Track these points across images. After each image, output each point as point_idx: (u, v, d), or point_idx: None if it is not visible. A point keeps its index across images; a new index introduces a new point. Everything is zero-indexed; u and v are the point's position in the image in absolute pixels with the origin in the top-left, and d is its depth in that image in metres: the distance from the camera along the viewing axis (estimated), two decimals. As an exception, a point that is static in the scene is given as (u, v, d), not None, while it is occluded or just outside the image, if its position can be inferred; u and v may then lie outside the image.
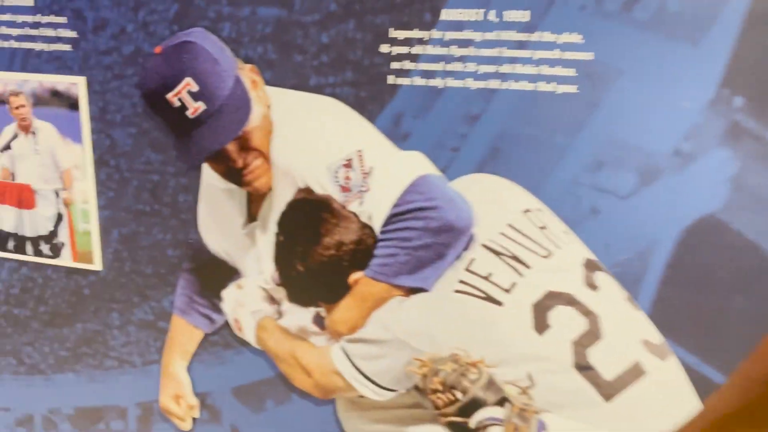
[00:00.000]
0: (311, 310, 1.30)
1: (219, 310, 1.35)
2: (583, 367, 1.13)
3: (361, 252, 1.22)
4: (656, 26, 0.98)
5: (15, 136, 1.39)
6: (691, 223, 1.04)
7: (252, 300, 1.32)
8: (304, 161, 1.21)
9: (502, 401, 1.21)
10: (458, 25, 1.08)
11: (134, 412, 1.47)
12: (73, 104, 1.32)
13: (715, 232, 1.03)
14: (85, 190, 1.37)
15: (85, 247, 1.41)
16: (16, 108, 1.36)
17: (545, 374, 1.17)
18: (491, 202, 1.13)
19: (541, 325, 1.15)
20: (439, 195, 1.15)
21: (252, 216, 1.28)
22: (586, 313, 1.11)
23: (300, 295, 1.29)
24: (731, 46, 0.96)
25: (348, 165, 1.19)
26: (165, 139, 1.29)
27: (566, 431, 1.16)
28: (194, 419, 1.42)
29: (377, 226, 1.20)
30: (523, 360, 1.18)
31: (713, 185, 1.02)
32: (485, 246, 1.16)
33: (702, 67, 0.98)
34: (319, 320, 1.29)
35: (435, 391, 1.25)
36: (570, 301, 1.13)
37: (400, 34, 1.11)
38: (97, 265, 1.41)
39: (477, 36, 1.07)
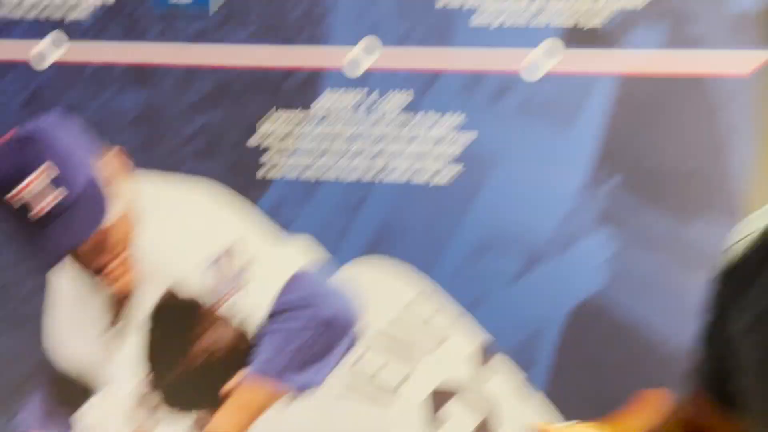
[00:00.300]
0: (186, 418, 1.19)
1: (72, 428, 1.21)
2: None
3: (237, 355, 1.16)
4: (528, 111, 1.04)
5: None
6: (577, 304, 1.07)
7: (119, 411, 1.20)
8: (171, 257, 1.15)
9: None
10: (335, 113, 1.09)
11: None
12: None
13: (599, 312, 1.06)
14: None
15: None
16: None
17: None
18: (378, 292, 1.12)
19: (434, 421, 1.13)
20: (320, 291, 1.13)
21: (114, 320, 1.18)
22: (481, 404, 1.10)
23: (175, 402, 1.20)
24: (600, 128, 1.02)
25: (221, 260, 1.14)
26: (12, 238, 1.17)
27: None
28: None
29: (254, 325, 1.14)
30: None
31: (595, 266, 1.06)
32: (374, 337, 1.13)
33: (576, 150, 1.04)
34: (199, 428, 1.19)
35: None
36: (464, 388, 1.12)
37: (279, 115, 1.10)
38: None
39: (354, 126, 1.08)
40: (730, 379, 0.65)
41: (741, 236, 0.65)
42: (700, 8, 0.98)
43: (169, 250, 1.14)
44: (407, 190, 1.08)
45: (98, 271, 1.13)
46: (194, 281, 1.13)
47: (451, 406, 1.10)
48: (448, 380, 1.11)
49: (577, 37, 1.02)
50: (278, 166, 1.11)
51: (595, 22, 1.02)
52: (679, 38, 1.00)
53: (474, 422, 1.10)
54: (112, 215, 1.11)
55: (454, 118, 1.06)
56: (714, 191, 0.99)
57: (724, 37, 0.98)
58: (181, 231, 1.15)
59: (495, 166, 1.06)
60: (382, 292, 1.13)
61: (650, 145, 1.02)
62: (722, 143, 1.01)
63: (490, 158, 1.06)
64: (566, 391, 1.09)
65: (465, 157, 1.06)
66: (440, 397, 1.11)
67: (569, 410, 1.08)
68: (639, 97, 1.01)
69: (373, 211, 1.09)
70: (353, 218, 1.09)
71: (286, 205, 1.11)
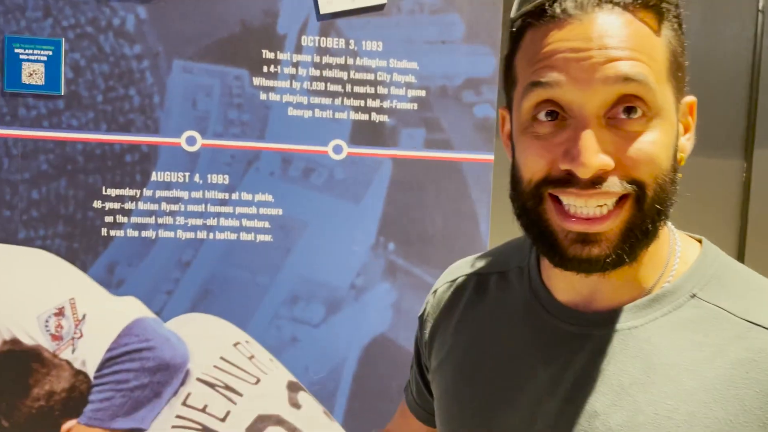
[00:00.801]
0: (18, 468, 1.24)
1: None
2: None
3: (75, 399, 1.23)
4: (329, 189, 1.25)
5: None
6: (369, 342, 1.28)
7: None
8: (10, 312, 1.21)
9: None
10: (167, 185, 1.23)
11: None
12: None
13: (386, 347, 1.28)
14: None
15: None
16: None
17: None
18: (204, 338, 1.25)
19: None
20: (155, 336, 1.24)
21: (-53, 375, 1.21)
22: (293, 430, 1.27)
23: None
24: (382, 203, 1.26)
25: (60, 313, 1.22)
26: None
27: None
28: None
29: (92, 371, 1.23)
30: None
31: (381, 310, 1.28)
32: (200, 380, 1.26)
33: (365, 219, 1.26)
34: (27, 478, 1.24)
35: None
36: (278, 421, 1.27)
37: (113, 192, 1.22)
38: None
39: (185, 194, 1.23)
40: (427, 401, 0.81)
41: (440, 284, 0.79)
42: (450, 117, 1.28)
43: (7, 307, 1.21)
44: (231, 248, 1.25)
45: (-66, 328, 1.18)
46: (34, 332, 1.21)
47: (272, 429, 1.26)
48: (265, 412, 1.27)
49: (365, 129, 1.26)
50: (119, 225, 1.22)
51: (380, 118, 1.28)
52: (435, 140, 1.29)
53: (287, 446, 1.27)
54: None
55: (265, 197, 1.24)
56: (467, 250, 1.21)
57: (469, 136, 1.29)
58: (18, 291, 1.21)
59: (301, 231, 1.25)
60: (205, 341, 1.26)
61: (418, 216, 1.28)
62: (472, 213, 1.30)
63: (297, 225, 1.26)
64: (361, 416, 1.29)
65: (276, 225, 1.24)
66: (259, 427, 1.27)
67: (364, 428, 1.29)
68: (408, 178, 1.27)
69: (202, 267, 1.25)
70: (183, 274, 1.25)
71: (123, 262, 1.24)
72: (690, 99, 0.60)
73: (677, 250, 0.63)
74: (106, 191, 1.22)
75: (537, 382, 0.64)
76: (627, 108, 0.55)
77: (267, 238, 1.25)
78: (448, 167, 1.27)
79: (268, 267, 1.25)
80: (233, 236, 1.25)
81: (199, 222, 1.24)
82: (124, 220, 1.22)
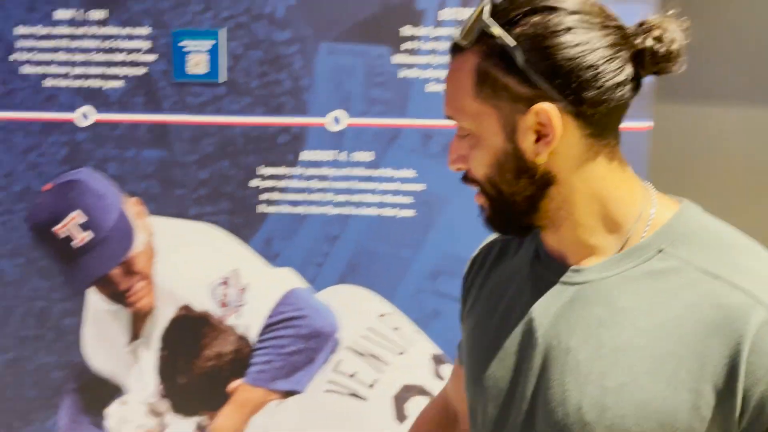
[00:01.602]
0: (194, 420, 1.39)
1: (103, 429, 1.41)
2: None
3: (239, 361, 1.35)
4: None
5: None
6: None
7: (136, 415, 1.40)
8: (184, 282, 1.36)
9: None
10: (316, 164, 1.29)
11: None
12: (-41, 237, 1.39)
13: None
14: (-32, 319, 1.41)
15: (-35, 374, 1.43)
16: None
17: None
18: (352, 309, 1.31)
19: (400, 414, 1.32)
20: (307, 305, 1.32)
21: (136, 334, 1.38)
22: None
23: (184, 406, 1.39)
24: None
25: (225, 283, 1.34)
26: (52, 267, 1.39)
27: None
28: None
29: (253, 336, 1.34)
30: None
31: None
32: (349, 348, 1.33)
33: None
34: (201, 429, 1.38)
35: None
36: (422, 391, 1.31)
37: (268, 171, 1.31)
38: (-23, 392, 1.43)
39: (332, 172, 1.29)
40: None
41: (479, 248, 0.90)
42: None
43: (181, 276, 1.36)
44: (375, 223, 1.29)
45: (124, 293, 1.36)
46: (203, 300, 1.35)
47: (413, 403, 1.30)
48: (410, 382, 1.31)
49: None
50: (274, 202, 1.32)
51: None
52: None
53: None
54: (136, 247, 1.35)
55: (408, 173, 1.27)
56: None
57: None
58: (189, 262, 1.35)
59: (444, 206, 1.26)
60: (353, 312, 1.32)
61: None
62: None
63: (440, 201, 1.27)
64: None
65: (418, 203, 1.26)
66: (404, 396, 1.31)
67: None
68: None
69: (349, 241, 1.30)
70: (332, 248, 1.31)
71: (278, 237, 1.33)
72: (538, 107, 0.68)
73: (651, 212, 0.73)
74: (261, 171, 1.31)
75: (527, 328, 0.75)
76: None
77: (410, 213, 1.28)
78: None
79: (412, 241, 1.28)
80: (377, 212, 1.29)
81: (345, 198, 1.29)
82: (279, 197, 1.31)
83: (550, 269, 0.76)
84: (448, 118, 0.75)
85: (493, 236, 0.90)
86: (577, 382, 0.70)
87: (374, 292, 1.31)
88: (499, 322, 0.78)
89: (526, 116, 0.69)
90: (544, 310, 0.74)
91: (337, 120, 1.27)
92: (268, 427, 1.36)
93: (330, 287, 1.32)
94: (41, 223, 1.36)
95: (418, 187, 1.27)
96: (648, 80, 0.72)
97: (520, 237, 0.81)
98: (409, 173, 1.27)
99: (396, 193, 1.28)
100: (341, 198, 1.29)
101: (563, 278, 0.75)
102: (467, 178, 0.76)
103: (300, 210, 1.31)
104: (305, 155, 1.29)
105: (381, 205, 1.28)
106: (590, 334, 0.70)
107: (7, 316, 1.40)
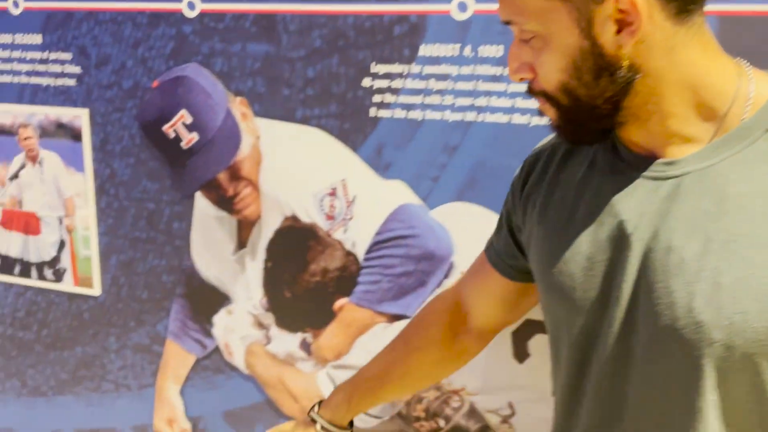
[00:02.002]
0: (298, 336, 1.33)
1: (210, 335, 1.39)
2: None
3: (346, 278, 1.25)
4: None
5: (23, 166, 1.46)
6: None
7: (241, 325, 1.36)
8: (291, 190, 1.26)
9: (483, 429, 1.22)
10: (436, 60, 1.12)
11: (130, 435, 1.50)
12: (76, 135, 1.39)
13: None
14: (87, 217, 1.42)
15: (86, 272, 1.46)
16: (25, 139, 1.43)
17: (526, 403, 1.18)
18: (470, 230, 1.15)
19: (521, 353, 1.17)
20: (420, 223, 1.19)
21: (242, 243, 1.32)
22: None
23: (288, 321, 1.33)
24: None
25: (333, 194, 1.23)
26: (161, 168, 1.35)
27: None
28: (187, 443, 1.44)
29: (361, 253, 1.23)
30: (503, 388, 1.20)
31: None
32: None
33: None
34: (305, 346, 1.32)
35: (418, 419, 1.26)
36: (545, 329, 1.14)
37: (381, 69, 1.15)
38: (96, 290, 1.46)
39: (453, 70, 1.11)
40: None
41: (534, 152, 0.87)
42: None
43: (288, 184, 1.26)
44: (502, 132, 1.11)
45: (231, 199, 1.29)
46: (311, 210, 1.25)
47: (537, 340, 1.14)
48: (535, 316, 1.14)
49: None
50: (387, 105, 1.16)
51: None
52: None
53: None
54: (242, 151, 1.27)
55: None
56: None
57: None
58: (297, 169, 1.25)
59: None
60: (471, 234, 1.18)
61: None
62: None
63: None
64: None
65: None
66: (526, 333, 1.15)
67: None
68: (739, 40, 0.96)
69: (470, 152, 1.13)
70: (449, 159, 1.15)
71: (390, 144, 1.18)
72: None
73: (750, 91, 0.67)
74: (374, 68, 1.15)
75: (617, 232, 0.70)
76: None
77: (545, 120, 1.07)
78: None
79: (544, 155, 1.08)
80: (505, 118, 1.10)
81: (467, 102, 1.11)
82: (392, 99, 1.15)
83: (634, 166, 0.71)
84: (506, 23, 0.69)
85: (548, 138, 0.86)
86: (685, 281, 0.65)
87: (496, 212, 1.13)
88: (580, 228, 0.74)
89: (603, 5, 0.63)
90: (635, 210, 0.70)
91: (463, 6, 1.08)
92: (375, 350, 1.26)
93: (446, 204, 1.16)
94: (150, 121, 1.31)
95: (556, 88, 1.06)
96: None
97: (596, 143, 0.75)
98: (545, 72, 1.06)
99: (528, 95, 1.07)
100: (464, 101, 1.11)
101: (653, 173, 0.69)
102: (533, 90, 0.71)
103: (416, 115, 1.15)
104: (424, 50, 1.12)
105: (510, 110, 1.09)
106: (696, 229, 0.66)
107: (120, 217, 1.40)
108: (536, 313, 1.15)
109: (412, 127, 1.15)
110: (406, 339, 1.05)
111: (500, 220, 0.95)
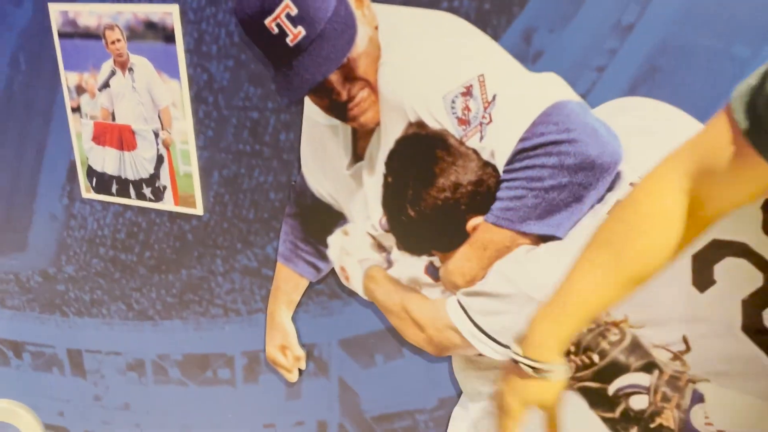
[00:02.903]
0: (424, 259, 1.18)
1: (325, 258, 1.27)
2: (756, 331, 0.95)
3: (482, 194, 1.08)
4: None
5: (113, 74, 1.33)
6: None
7: (359, 248, 1.23)
8: (415, 91, 1.08)
9: (649, 367, 1.05)
10: None
11: (240, 361, 1.43)
12: (168, 36, 1.24)
13: None
14: (184, 130, 1.30)
15: (187, 190, 1.34)
16: (112, 43, 1.29)
17: (706, 338, 1.01)
18: (646, 132, 0.95)
19: (703, 280, 0.99)
20: (578, 125, 0.98)
21: (358, 155, 1.17)
22: (764, 266, 0.92)
23: (411, 243, 1.18)
24: None
25: (467, 93, 1.04)
26: (264, 71, 1.19)
27: (729, 405, 0.99)
28: (301, 371, 1.36)
29: (501, 163, 1.04)
30: (678, 320, 1.02)
31: None
32: (635, 185, 0.98)
33: None
34: (432, 270, 1.18)
35: (567, 353, 1.10)
36: (743, 251, 0.94)
37: (534, -71, 0.92)
38: (199, 209, 1.35)
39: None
40: None
41: None
42: None
43: (413, 82, 1.07)
44: (693, 1, 0.87)
45: (345, 104, 1.12)
46: (440, 114, 1.06)
47: (725, 265, 0.94)
48: (725, 236, 0.94)
49: None
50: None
51: None
52: None
53: (751, 288, 0.94)
54: (357, 46, 1.08)
55: None
56: None
57: None
58: (424, 64, 1.06)
59: None
60: (644, 138, 0.97)
61: None
62: None
63: None
64: None
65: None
66: (712, 256, 0.95)
67: None
68: None
69: (649, 30, 0.90)
70: (621, 42, 0.92)
71: (542, 27, 0.97)
72: None
73: None
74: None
75: None
76: None
77: (759, -16, 0.82)
78: None
79: (752, 29, 0.84)
80: (703, -17, 0.85)
81: (650, -36, 0.87)
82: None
83: None
84: None
85: None
86: None
87: (682, 108, 0.91)
88: None
89: None
90: None
91: None
92: (514, 276, 1.10)
93: (615, 100, 0.95)
94: (250, 15, 1.12)
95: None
96: None
97: None
98: None
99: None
100: (643, -36, 0.88)
101: None
102: None
103: (577, -14, 0.92)
104: None
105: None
106: None
107: (221, 128, 1.26)
108: (726, 232, 0.94)
109: (571, 3, 0.93)
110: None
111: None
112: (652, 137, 0.95)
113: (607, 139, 0.97)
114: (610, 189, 0.99)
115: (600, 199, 1.00)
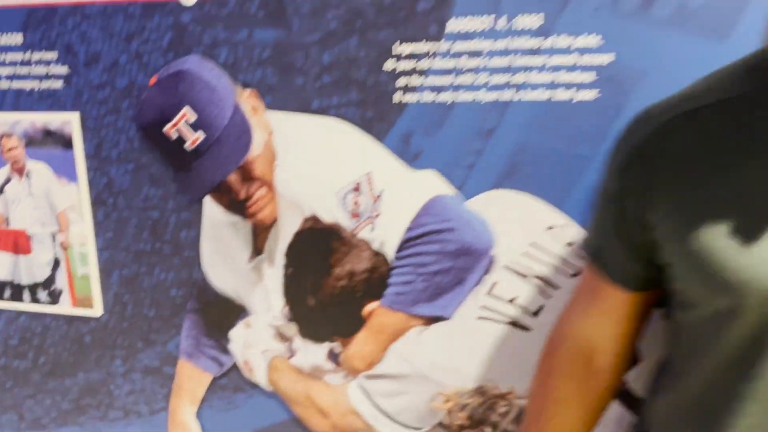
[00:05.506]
0: (325, 346, 1.22)
1: (227, 352, 1.28)
2: (624, 395, 1.05)
3: (375, 281, 1.16)
4: (679, 23, 0.92)
5: (8, 180, 1.33)
6: None
7: (261, 339, 1.25)
8: (309, 188, 1.16)
9: (536, 435, 1.13)
10: (466, 35, 1.02)
11: (142, 464, 1.39)
12: (67, 142, 1.27)
13: None
14: (83, 232, 1.31)
15: (85, 291, 1.34)
16: (8, 150, 1.31)
17: None
18: (511, 220, 1.06)
19: None
20: (455, 216, 1.09)
21: (258, 249, 1.22)
22: None
23: (312, 331, 1.23)
24: (760, 39, 0.90)
25: (357, 189, 1.13)
26: (164, 173, 1.23)
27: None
28: (206, 469, 1.33)
29: (391, 252, 1.13)
30: None
31: None
32: (508, 268, 1.09)
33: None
34: (333, 356, 1.22)
35: (462, 428, 1.17)
36: None
37: (405, 49, 1.05)
38: (97, 310, 1.34)
39: (487, 45, 1.01)
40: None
41: (649, 128, 0.75)
42: None
43: (306, 182, 1.16)
44: (543, 110, 1.02)
45: (243, 202, 1.18)
46: (333, 209, 1.15)
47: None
48: None
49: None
50: (413, 89, 1.07)
51: None
52: None
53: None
54: (254, 149, 1.16)
55: (590, 40, 0.96)
56: None
57: None
58: (316, 165, 1.15)
59: (637, 84, 0.95)
60: (513, 224, 1.09)
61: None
62: None
63: (633, 77, 0.95)
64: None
65: (604, 77, 0.96)
66: None
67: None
68: None
69: (508, 135, 1.04)
70: (485, 144, 1.05)
71: (419, 132, 1.08)
72: None
73: None
74: (398, 49, 1.06)
75: None
76: None
77: (591, 95, 0.98)
78: None
79: (592, 133, 0.99)
80: (547, 94, 1.00)
81: (504, 79, 1.02)
82: (419, 82, 1.06)
83: None
84: None
85: (662, 111, 0.75)
86: None
87: (540, 198, 1.04)
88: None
89: None
90: None
91: (494, -25, 0.99)
92: (410, 357, 1.17)
93: (484, 193, 1.07)
94: (149, 123, 1.19)
95: (604, 59, 0.97)
96: None
97: None
98: (591, 40, 0.97)
99: (572, 68, 0.98)
100: (499, 79, 1.02)
101: None
102: None
103: (446, 97, 1.05)
104: (452, 25, 1.02)
105: (551, 85, 1.00)
106: None
107: (121, 228, 1.28)
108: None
109: (442, 111, 1.06)
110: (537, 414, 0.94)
111: (601, 224, 0.84)
112: (518, 225, 1.07)
113: (479, 227, 1.09)
114: (486, 271, 1.10)
115: (478, 282, 1.10)
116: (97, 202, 1.28)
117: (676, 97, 0.77)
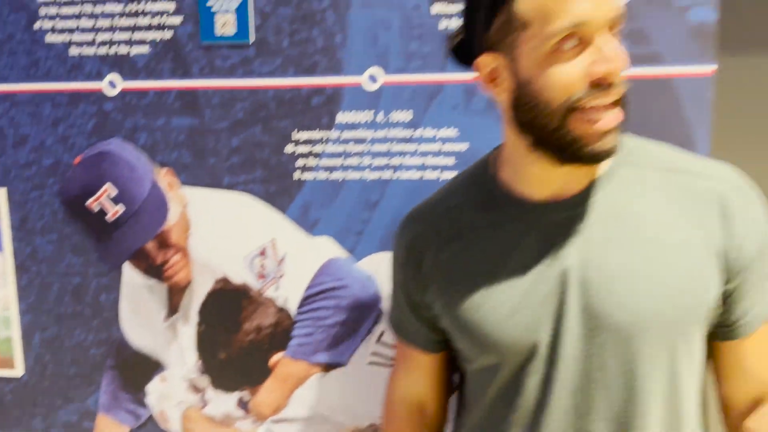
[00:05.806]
0: (235, 395, 1.35)
1: (144, 405, 1.38)
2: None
3: (279, 334, 1.31)
4: None
5: (-68, 249, 1.41)
6: None
7: (176, 391, 1.37)
8: (221, 253, 1.31)
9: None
10: (353, 126, 1.22)
11: None
12: (-8, 215, 1.37)
13: None
14: (6, 297, 1.40)
15: (6, 353, 1.42)
16: (-66, 222, 1.39)
17: None
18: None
19: None
20: (348, 275, 1.27)
21: (173, 309, 1.35)
22: None
23: (224, 381, 1.35)
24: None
25: (263, 254, 1.29)
26: (86, 242, 1.35)
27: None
28: None
29: (293, 308, 1.29)
30: None
31: None
32: (393, 319, 1.27)
33: None
34: (243, 404, 1.35)
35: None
36: None
37: (302, 136, 1.24)
38: (18, 370, 1.42)
39: (369, 134, 1.22)
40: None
41: (416, 228, 0.97)
42: (659, 25, 1.10)
43: (218, 248, 1.31)
44: (416, 186, 1.22)
45: (160, 267, 1.32)
46: (242, 271, 1.30)
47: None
48: None
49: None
50: (310, 168, 1.25)
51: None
52: (641, 54, 1.13)
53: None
54: (170, 220, 1.31)
55: (449, 132, 1.19)
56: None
57: (683, 48, 1.11)
58: (226, 233, 1.30)
59: None
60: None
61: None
62: (687, 137, 1.13)
63: None
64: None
65: (461, 161, 1.19)
66: None
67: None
68: None
69: (389, 206, 1.23)
70: (372, 214, 1.25)
71: (315, 204, 1.27)
72: None
73: None
74: (296, 136, 1.25)
75: (536, 270, 0.85)
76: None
77: (453, 174, 1.20)
78: (657, 85, 1.10)
79: (456, 205, 1.20)
80: (417, 175, 1.22)
81: (383, 162, 1.22)
82: (314, 163, 1.25)
83: (542, 212, 0.85)
84: (614, 23, 0.76)
85: (424, 213, 0.97)
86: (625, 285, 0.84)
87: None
88: (511, 277, 0.86)
89: None
90: (546, 249, 0.85)
91: (373, 78, 1.20)
92: (312, 401, 1.32)
93: (371, 255, 1.26)
94: (73, 197, 1.32)
95: (461, 146, 1.19)
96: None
97: None
98: (450, 132, 1.19)
99: (437, 154, 1.21)
100: (380, 161, 1.23)
101: (562, 212, 0.84)
102: (616, 84, 0.77)
103: (337, 176, 1.25)
104: (341, 117, 1.23)
105: (422, 167, 1.21)
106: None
107: (44, 293, 1.38)
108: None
109: (334, 187, 1.25)
110: None
111: (397, 304, 1.04)
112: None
113: (369, 284, 1.27)
114: (375, 323, 1.28)
115: (369, 331, 1.28)
116: (21, 269, 1.38)
117: (432, 199, 0.99)
